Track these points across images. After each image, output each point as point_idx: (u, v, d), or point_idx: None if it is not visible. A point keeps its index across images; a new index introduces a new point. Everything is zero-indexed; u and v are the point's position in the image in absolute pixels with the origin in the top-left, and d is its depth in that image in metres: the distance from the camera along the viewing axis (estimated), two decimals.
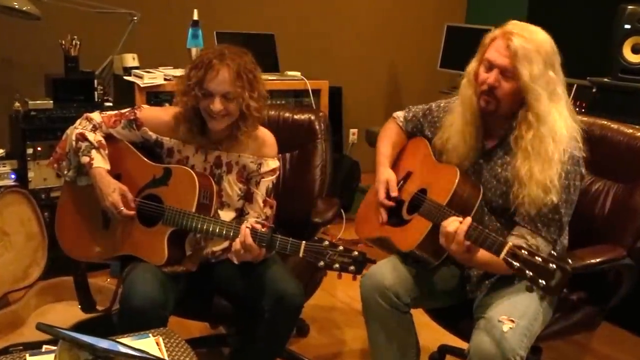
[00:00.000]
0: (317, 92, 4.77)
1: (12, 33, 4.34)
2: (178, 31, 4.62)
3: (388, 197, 2.79)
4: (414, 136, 2.95)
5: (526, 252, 2.13)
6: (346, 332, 3.86)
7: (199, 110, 2.68)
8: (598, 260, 2.55)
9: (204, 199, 2.68)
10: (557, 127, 2.42)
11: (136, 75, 4.23)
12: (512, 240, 2.31)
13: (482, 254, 2.32)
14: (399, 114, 3.02)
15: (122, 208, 2.68)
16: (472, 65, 2.59)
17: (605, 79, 4.04)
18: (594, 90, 4.12)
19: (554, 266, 2.07)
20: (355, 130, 5.88)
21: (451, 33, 5.57)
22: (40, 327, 1.97)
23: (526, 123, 2.45)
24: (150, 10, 4.69)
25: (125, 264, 2.75)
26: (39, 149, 4.01)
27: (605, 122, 2.93)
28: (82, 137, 2.75)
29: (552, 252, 2.21)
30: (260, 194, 2.84)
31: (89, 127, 2.79)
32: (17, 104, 4.09)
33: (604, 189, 2.86)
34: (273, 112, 3.49)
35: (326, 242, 2.44)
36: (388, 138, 2.97)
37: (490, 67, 2.47)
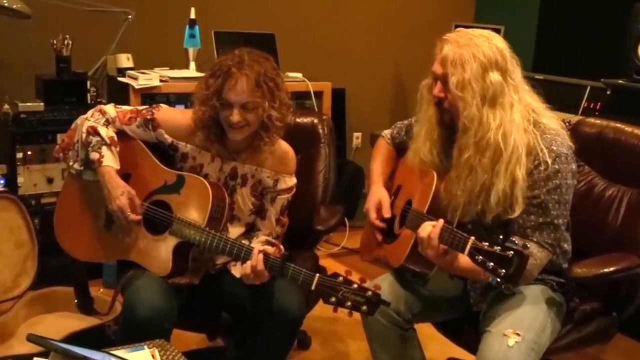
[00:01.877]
0: (319, 94, 4.79)
1: (1, 32, 4.35)
2: (174, 30, 4.64)
3: (382, 217, 2.82)
4: (403, 152, 2.97)
5: (487, 244, 2.17)
6: (349, 345, 3.87)
7: (218, 119, 2.68)
8: (611, 269, 2.56)
9: (216, 213, 2.67)
10: (490, 135, 2.40)
11: (131, 77, 4.24)
12: None
13: (464, 260, 2.32)
14: (386, 133, 3.08)
15: (129, 213, 2.67)
16: (426, 80, 2.65)
17: (620, 81, 4.05)
18: (608, 92, 4.13)
19: (512, 252, 2.12)
20: (359, 134, 5.90)
21: None
22: (31, 338, 1.98)
23: (458, 134, 2.48)
24: (146, 8, 4.71)
25: (123, 268, 2.75)
26: (29, 153, 4.02)
27: (619, 125, 2.94)
28: (93, 131, 2.73)
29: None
30: (274, 211, 2.85)
31: (102, 120, 2.77)
32: (6, 106, 4.10)
33: (618, 194, 2.87)
34: None
35: (340, 278, 2.42)
36: (379, 155, 3.04)
37: (435, 78, 2.52)
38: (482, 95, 2.40)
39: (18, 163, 4.02)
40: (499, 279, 2.16)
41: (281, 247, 2.78)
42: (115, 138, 2.76)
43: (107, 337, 3.09)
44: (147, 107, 2.84)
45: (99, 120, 2.77)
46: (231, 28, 4.76)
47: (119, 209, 2.67)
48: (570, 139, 2.50)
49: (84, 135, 2.73)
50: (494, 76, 2.41)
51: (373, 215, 2.82)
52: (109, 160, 2.71)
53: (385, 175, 2.98)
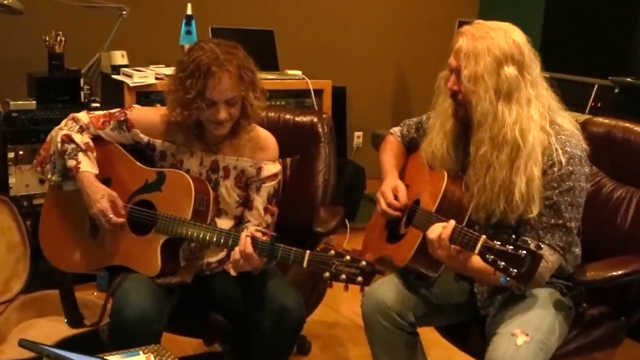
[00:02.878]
0: (319, 93, 4.78)
1: None
2: (170, 27, 4.64)
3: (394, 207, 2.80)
4: (412, 150, 2.99)
5: (499, 243, 2.18)
6: (350, 350, 3.87)
7: (199, 118, 2.69)
8: (620, 272, 2.56)
9: (200, 205, 2.69)
10: (505, 131, 2.41)
11: (125, 74, 4.24)
12: None
13: (475, 260, 2.32)
14: (396, 130, 3.07)
15: (112, 216, 2.68)
16: (444, 72, 2.63)
17: (629, 79, 4.05)
18: (616, 90, 4.13)
19: (524, 252, 2.12)
20: (360, 134, 5.90)
21: None
22: (23, 343, 1.98)
23: (472, 129, 2.50)
24: (141, 4, 4.71)
25: (114, 274, 2.75)
26: (20, 152, 4.02)
27: (628, 125, 2.93)
28: (68, 139, 2.75)
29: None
30: (260, 200, 2.85)
31: (76, 128, 2.80)
32: None
33: (627, 196, 2.87)
34: (273, 114, 3.51)
35: (332, 252, 2.43)
36: (390, 150, 3.01)
37: (450, 70, 2.52)
38: (495, 89, 2.41)
39: (9, 163, 4.02)
40: (509, 279, 2.15)
41: (272, 234, 2.77)
42: (91, 144, 2.78)
43: (101, 342, 3.08)
44: (120, 109, 2.87)
45: (73, 128, 2.80)
46: (229, 24, 4.77)
47: (100, 212, 2.69)
48: (585, 141, 2.50)
49: (59, 145, 2.76)
50: (509, 70, 2.41)
51: (390, 197, 2.77)
52: (87, 166, 2.74)
53: (398, 167, 2.95)
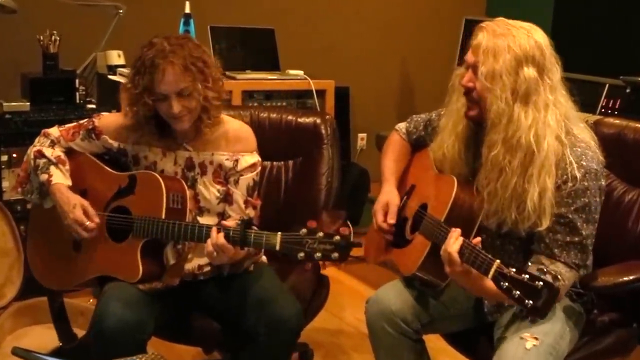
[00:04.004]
0: (321, 93, 4.79)
1: None
2: (168, 26, 4.62)
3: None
4: (419, 147, 2.98)
5: (514, 270, 2.14)
6: (354, 358, 3.87)
7: (152, 115, 2.72)
8: (631, 277, 2.56)
9: (174, 203, 2.70)
10: (519, 134, 2.38)
11: (122, 75, 4.24)
12: (531, 266, 2.36)
13: (487, 281, 2.27)
14: (401, 126, 3.05)
15: (87, 223, 2.71)
16: (459, 69, 2.62)
17: None
18: (627, 90, 4.13)
19: (541, 283, 2.08)
20: (364, 135, 5.90)
21: (470, 27, 5.55)
22: (17, 352, 1.99)
23: (485, 130, 2.47)
24: (138, 2, 4.72)
25: (104, 285, 2.75)
26: (14, 155, 4.03)
27: None
28: (39, 154, 2.81)
29: (557, 275, 2.21)
30: (239, 193, 2.84)
31: (47, 143, 2.85)
32: None
33: (639, 199, 2.87)
34: (275, 115, 3.51)
35: (304, 230, 2.42)
36: (391, 152, 3.01)
37: (467, 66, 2.50)
38: (513, 89, 2.38)
39: (2, 166, 4.03)
40: (522, 308, 2.13)
41: (242, 220, 2.77)
42: (63, 157, 2.83)
43: None
44: (88, 118, 2.90)
45: (44, 143, 2.85)
46: (228, 23, 4.78)
47: (74, 221, 2.72)
48: (602, 153, 2.48)
49: (32, 162, 2.82)
50: (529, 72, 2.38)
51: (380, 219, 2.81)
52: (59, 178, 2.78)
53: (398, 173, 2.96)
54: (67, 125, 2.91)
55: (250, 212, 2.87)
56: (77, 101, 4.29)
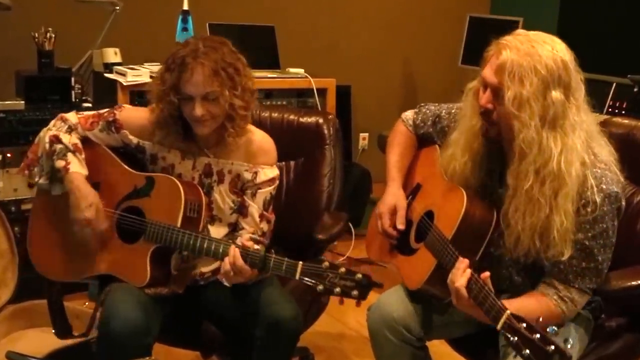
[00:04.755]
0: (322, 92, 4.80)
1: None
2: (166, 23, 4.65)
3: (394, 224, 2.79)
4: (425, 141, 2.95)
5: (525, 325, 2.08)
6: None
7: (178, 115, 2.70)
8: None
9: (191, 212, 2.69)
10: (553, 163, 2.29)
11: (118, 73, 4.25)
12: (541, 290, 2.37)
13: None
14: (408, 116, 2.99)
15: (97, 225, 2.72)
16: (472, 83, 2.53)
17: None
18: (635, 89, 4.13)
19: (553, 347, 2.01)
20: (365, 135, 5.91)
21: (474, 25, 5.57)
22: (11, 356, 1.99)
23: (511, 156, 2.39)
24: None
25: (104, 284, 2.76)
26: (8, 155, 4.03)
27: None
28: (56, 139, 2.77)
29: (552, 338, 2.08)
30: (256, 207, 2.84)
31: (64, 128, 2.81)
32: None
33: None
34: (276, 115, 3.51)
35: (326, 263, 2.43)
36: (397, 145, 2.96)
37: (485, 86, 2.40)
38: (541, 115, 2.28)
39: None
40: None
41: (264, 244, 2.77)
42: (79, 145, 2.80)
43: (92, 354, 3.08)
44: (109, 109, 2.87)
45: (61, 128, 2.81)
46: (227, 20, 4.78)
47: (86, 220, 2.71)
48: (622, 173, 2.42)
49: (47, 146, 2.77)
50: (556, 94, 2.29)
51: (387, 223, 2.78)
52: (76, 167, 2.75)
53: (404, 169, 2.92)
54: (85, 113, 2.88)
55: (264, 227, 2.86)
56: (73, 100, 4.30)
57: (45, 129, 2.83)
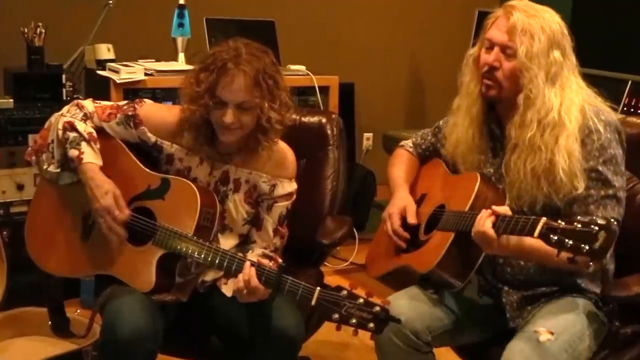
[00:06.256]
0: (325, 90, 4.81)
1: None
2: (161, 18, 4.66)
3: (405, 225, 2.83)
4: (427, 160, 3.04)
5: (563, 222, 2.16)
6: None
7: (209, 118, 2.68)
8: None
9: (205, 221, 2.67)
10: (552, 114, 2.50)
11: (112, 70, 4.26)
12: None
13: (530, 243, 2.31)
14: (407, 142, 3.12)
15: (117, 213, 2.65)
16: (473, 50, 2.73)
17: None
18: None
19: (597, 227, 2.09)
20: (370, 135, 5.91)
21: (483, 19, 5.57)
22: None
23: (516, 108, 2.56)
24: None
25: (101, 283, 2.75)
26: None
27: None
28: (70, 127, 2.73)
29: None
30: (271, 220, 2.83)
31: (79, 115, 2.77)
32: None
33: None
34: None
35: (344, 292, 2.42)
36: (399, 163, 3.07)
37: (491, 46, 2.60)
38: (546, 71, 2.52)
39: None
40: (579, 255, 2.12)
41: (279, 260, 2.78)
42: (94, 134, 2.76)
43: None
44: (129, 102, 2.84)
45: (76, 115, 2.77)
46: (225, 15, 4.79)
47: (104, 209, 2.65)
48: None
49: (60, 133, 2.73)
50: (557, 54, 2.54)
51: (397, 223, 2.82)
52: (91, 157, 2.71)
53: (410, 180, 3.00)
54: (103, 103, 2.85)
55: (277, 242, 2.86)
56: (64, 98, 4.29)
57: (57, 114, 2.79)
